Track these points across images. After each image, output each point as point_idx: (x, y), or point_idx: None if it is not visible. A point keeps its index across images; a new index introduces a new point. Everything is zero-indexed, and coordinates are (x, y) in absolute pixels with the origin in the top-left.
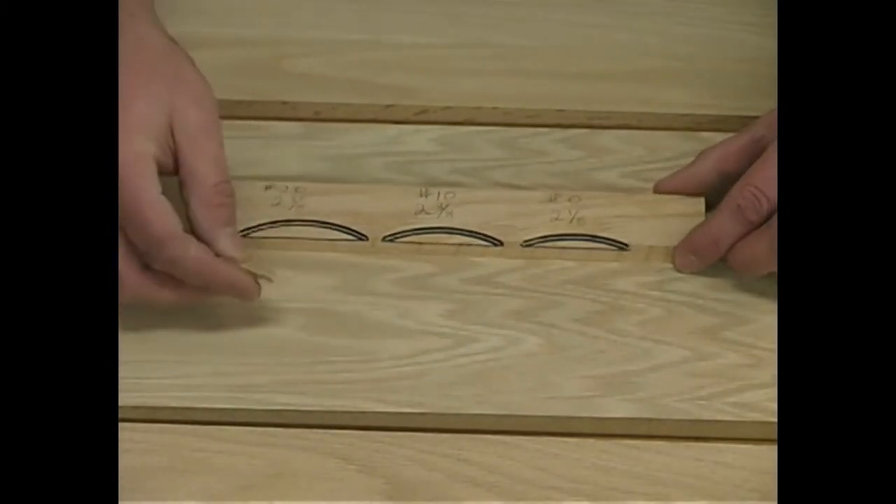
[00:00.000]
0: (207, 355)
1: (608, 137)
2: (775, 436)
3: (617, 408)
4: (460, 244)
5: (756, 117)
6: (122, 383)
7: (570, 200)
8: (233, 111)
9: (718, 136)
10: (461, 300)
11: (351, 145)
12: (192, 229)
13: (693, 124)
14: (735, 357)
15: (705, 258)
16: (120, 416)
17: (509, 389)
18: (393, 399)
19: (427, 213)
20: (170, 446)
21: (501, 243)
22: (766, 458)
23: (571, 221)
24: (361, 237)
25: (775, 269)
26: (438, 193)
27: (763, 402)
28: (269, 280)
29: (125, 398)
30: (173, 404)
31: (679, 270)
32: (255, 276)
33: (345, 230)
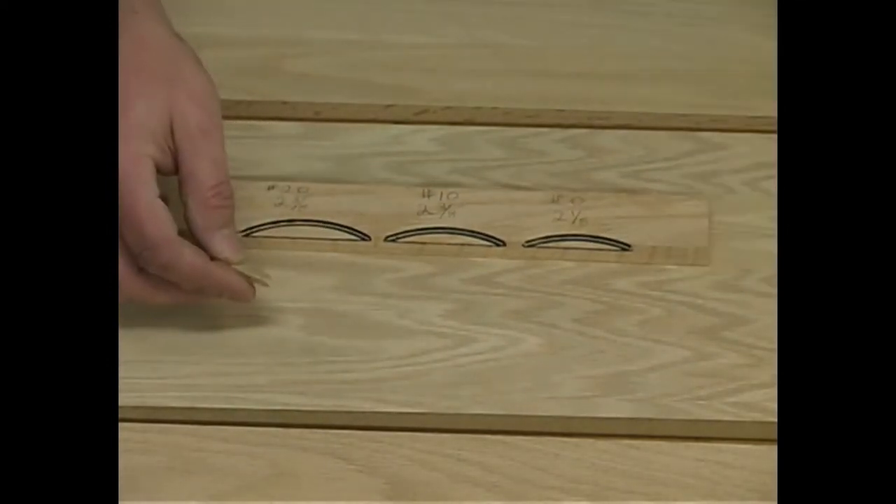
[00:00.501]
0: (207, 355)
1: (608, 137)
2: (775, 436)
3: (617, 408)
4: (463, 244)
5: (756, 117)
6: (122, 383)
7: (572, 201)
8: (233, 111)
9: (718, 136)
10: (461, 300)
11: (351, 145)
12: (189, 230)
13: (693, 124)
14: (735, 357)
15: None
16: (120, 416)
17: (509, 389)
18: (393, 399)
19: (430, 214)
20: (170, 446)
21: (504, 244)
22: (766, 458)
23: (574, 222)
24: (364, 237)
25: None
26: (441, 194)
27: (763, 402)
28: (265, 284)
29: (125, 398)
30: (173, 404)
31: None
32: (250, 280)
33: (348, 230)
